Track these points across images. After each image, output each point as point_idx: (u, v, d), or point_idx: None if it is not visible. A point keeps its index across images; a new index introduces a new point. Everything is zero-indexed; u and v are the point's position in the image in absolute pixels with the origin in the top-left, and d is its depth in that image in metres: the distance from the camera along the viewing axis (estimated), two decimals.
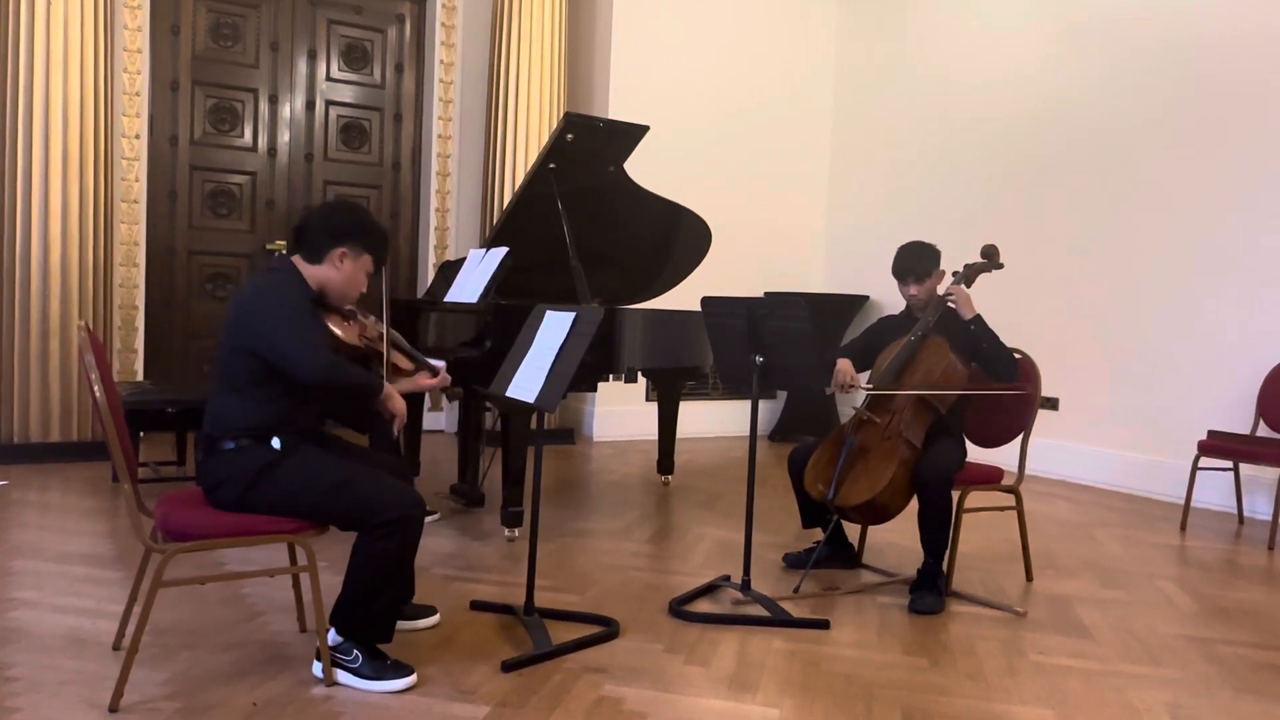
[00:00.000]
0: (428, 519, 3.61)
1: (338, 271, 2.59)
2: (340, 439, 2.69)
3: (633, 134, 4.33)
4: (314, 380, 2.41)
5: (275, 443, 2.43)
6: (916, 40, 6.94)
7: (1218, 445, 4.56)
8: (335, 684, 2.39)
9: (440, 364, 2.99)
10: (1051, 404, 5.86)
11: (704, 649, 2.79)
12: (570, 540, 3.92)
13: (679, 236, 4.76)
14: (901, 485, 3.27)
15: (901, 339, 3.47)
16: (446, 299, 4.17)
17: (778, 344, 3.16)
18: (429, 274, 6.47)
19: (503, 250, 3.97)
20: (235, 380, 2.45)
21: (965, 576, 3.61)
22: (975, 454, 3.49)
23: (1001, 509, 3.60)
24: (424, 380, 2.93)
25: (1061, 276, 5.94)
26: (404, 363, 2.91)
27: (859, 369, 3.56)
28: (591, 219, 4.42)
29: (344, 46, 6.38)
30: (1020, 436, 3.53)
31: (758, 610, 3.10)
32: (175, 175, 5.88)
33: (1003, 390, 3.41)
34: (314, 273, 2.58)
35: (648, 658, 2.70)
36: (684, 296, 4.79)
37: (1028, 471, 3.66)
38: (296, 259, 2.60)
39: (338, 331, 2.72)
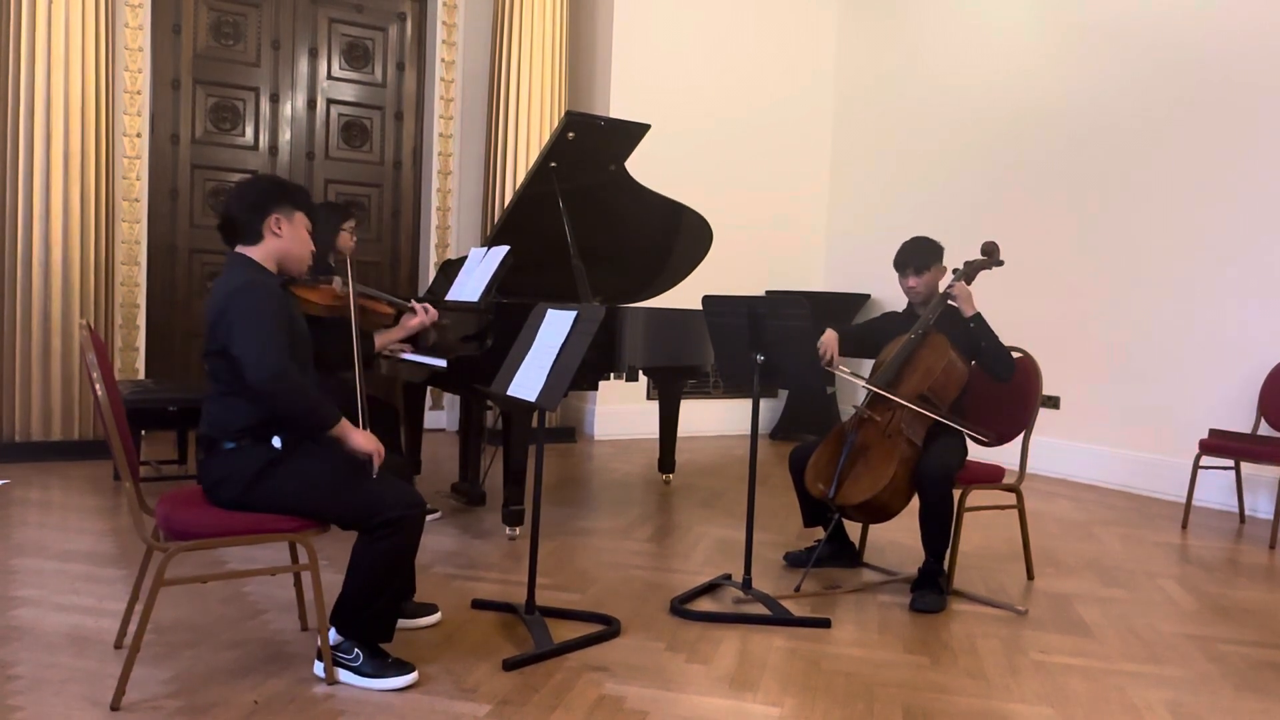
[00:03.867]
0: (429, 518, 3.62)
1: (280, 238, 2.53)
2: None
3: (634, 132, 4.33)
4: (263, 389, 2.32)
5: (276, 441, 2.42)
6: (918, 39, 6.93)
7: (1219, 444, 4.56)
8: (336, 683, 2.40)
9: (424, 304, 2.93)
10: (1053, 403, 5.86)
11: (705, 648, 2.79)
12: (571, 539, 3.92)
13: (680, 235, 4.76)
14: (902, 484, 3.27)
15: (903, 336, 3.47)
16: (448, 298, 4.17)
17: (779, 343, 3.16)
18: (430, 273, 6.47)
19: (504, 249, 3.97)
20: (229, 383, 2.41)
21: (966, 575, 3.61)
22: (976, 453, 3.49)
23: (1002, 508, 3.60)
24: (411, 321, 2.90)
25: (1062, 275, 5.94)
26: (383, 308, 2.86)
27: (850, 354, 3.56)
28: (593, 217, 4.42)
29: (345, 45, 6.38)
30: (1021, 435, 3.53)
31: (759, 609, 3.10)
32: (176, 174, 5.88)
33: (976, 436, 3.39)
34: (262, 253, 2.53)
35: (649, 656, 2.70)
36: (685, 295, 4.79)
37: (1029, 470, 3.66)
38: (241, 249, 2.53)
39: (313, 299, 2.68)
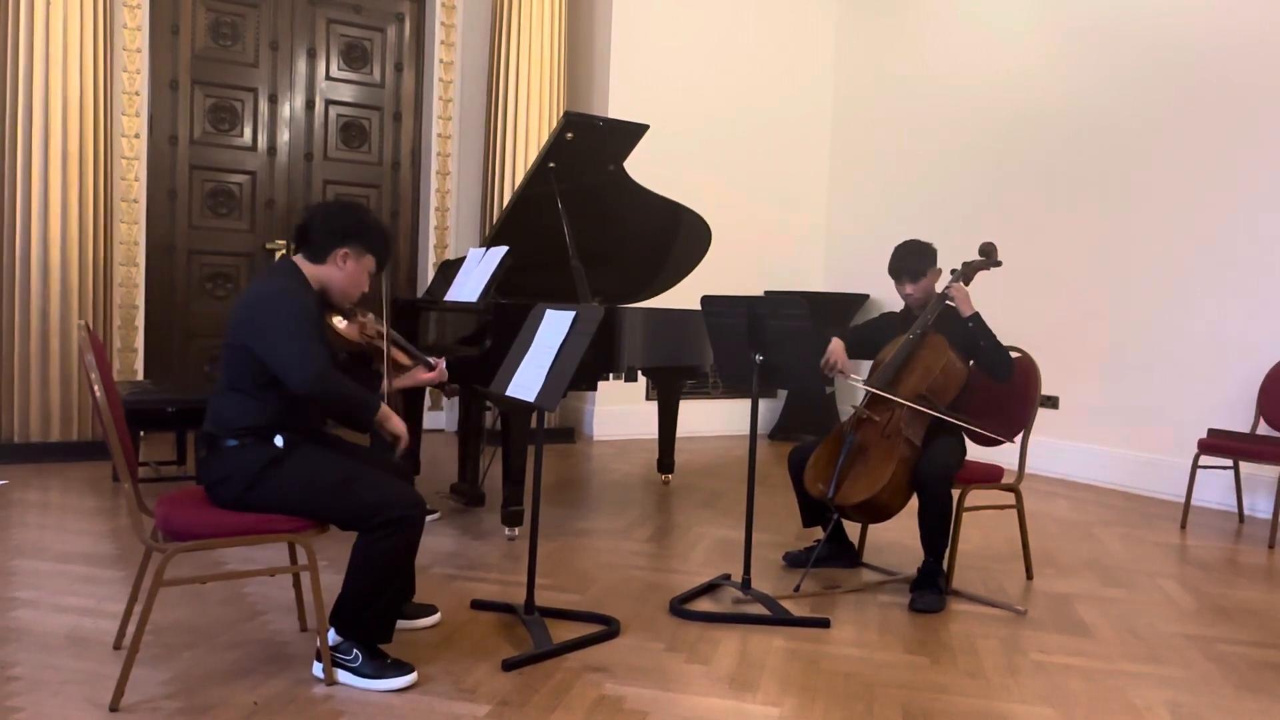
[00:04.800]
0: (428, 518, 3.61)
1: (340, 271, 2.59)
2: (341, 439, 2.69)
3: (632, 133, 4.33)
4: (307, 392, 2.39)
5: (278, 440, 2.43)
6: (916, 39, 6.93)
7: (1218, 443, 4.56)
8: (336, 683, 2.39)
9: (439, 360, 3.01)
10: (1051, 402, 5.86)
11: (704, 648, 2.79)
12: (570, 539, 3.92)
13: (679, 235, 4.76)
14: (901, 483, 3.27)
15: (901, 337, 3.47)
16: (446, 298, 4.17)
17: (778, 343, 3.16)
18: (429, 273, 6.47)
19: (502, 249, 3.97)
20: (239, 380, 2.45)
21: (965, 575, 3.61)
22: (975, 452, 3.49)
23: (1002, 508, 3.60)
24: (422, 375, 2.95)
25: (1061, 275, 5.94)
26: (403, 358, 2.94)
27: (851, 356, 3.55)
28: (591, 218, 4.42)
29: (343, 46, 6.38)
30: (1020, 435, 3.53)
31: (758, 609, 3.10)
32: (175, 175, 5.88)
33: (982, 432, 3.37)
34: (316, 272, 2.59)
35: (648, 657, 2.70)
36: (684, 295, 4.79)
37: (1028, 470, 3.66)
38: (298, 258, 2.60)
39: (338, 328, 2.73)
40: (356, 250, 2.59)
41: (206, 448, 2.46)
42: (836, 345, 3.51)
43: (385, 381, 2.81)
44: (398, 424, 2.58)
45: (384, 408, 2.56)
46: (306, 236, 2.59)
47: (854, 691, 2.53)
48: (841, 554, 3.67)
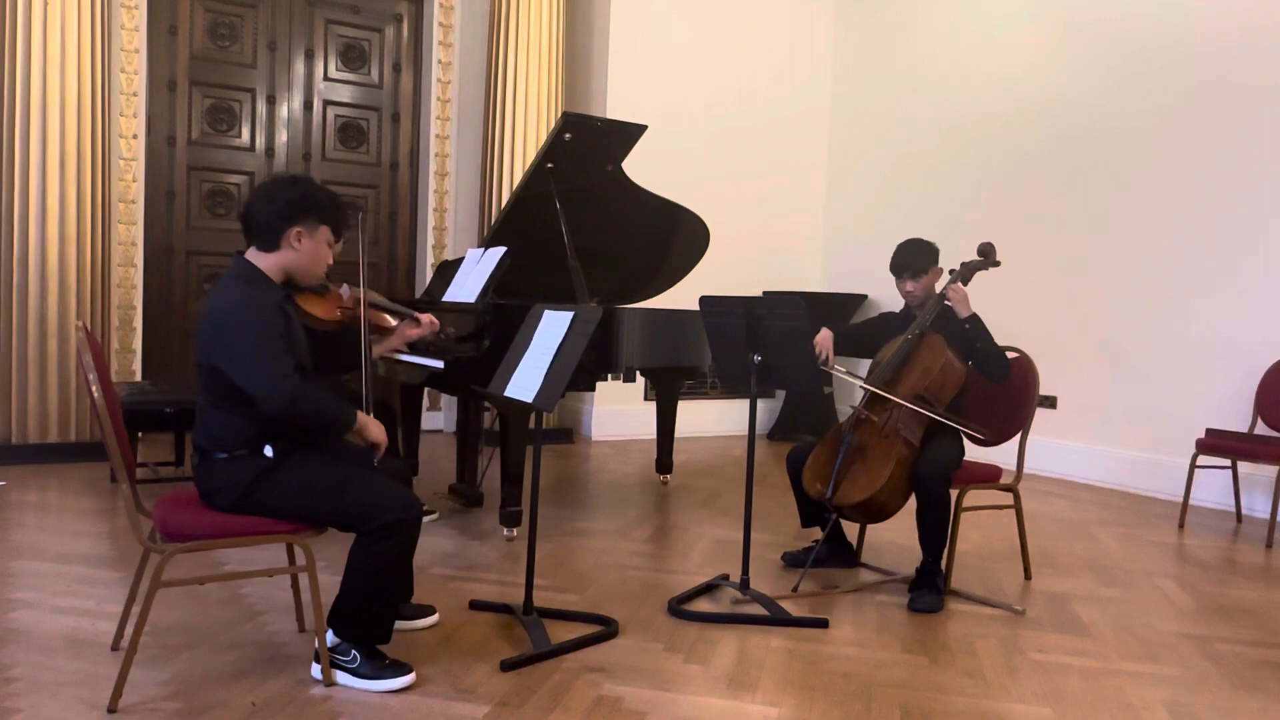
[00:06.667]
0: (426, 519, 3.62)
1: (297, 252, 2.46)
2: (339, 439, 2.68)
3: (631, 133, 4.33)
4: (279, 414, 2.32)
5: (268, 451, 2.39)
6: (914, 39, 6.94)
7: (1216, 443, 4.57)
8: (334, 684, 2.39)
9: (426, 315, 2.93)
10: (1050, 402, 5.86)
11: (703, 648, 2.79)
12: (569, 540, 3.92)
13: (677, 236, 4.76)
14: (900, 483, 3.27)
15: (900, 337, 3.47)
16: (445, 299, 4.17)
17: (776, 343, 3.16)
18: (427, 274, 6.47)
19: (501, 250, 3.97)
20: (220, 398, 2.38)
21: (964, 575, 3.61)
22: (973, 452, 3.49)
23: (1000, 507, 3.60)
24: (410, 331, 2.88)
25: (1060, 275, 5.94)
26: (387, 321, 2.86)
27: (848, 354, 3.56)
28: (589, 218, 4.42)
29: (341, 46, 6.38)
30: (1018, 435, 3.54)
31: (756, 609, 3.10)
32: (173, 175, 5.88)
33: (968, 430, 3.36)
34: (273, 262, 2.46)
35: (647, 657, 2.70)
36: (682, 296, 4.79)
37: (1026, 470, 3.66)
38: (252, 251, 2.46)
39: (314, 312, 2.65)
40: (309, 226, 2.45)
41: (199, 458, 2.43)
42: (825, 334, 3.52)
43: (366, 352, 2.72)
44: (376, 431, 2.50)
45: (361, 416, 2.47)
46: (252, 225, 2.44)
47: (852, 691, 2.53)
48: (840, 554, 3.68)
